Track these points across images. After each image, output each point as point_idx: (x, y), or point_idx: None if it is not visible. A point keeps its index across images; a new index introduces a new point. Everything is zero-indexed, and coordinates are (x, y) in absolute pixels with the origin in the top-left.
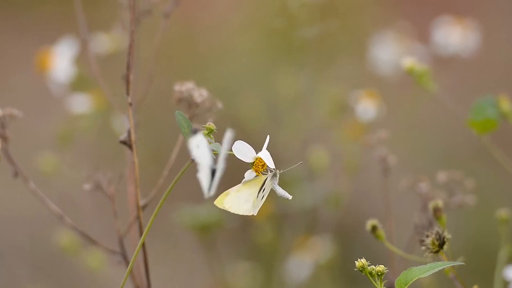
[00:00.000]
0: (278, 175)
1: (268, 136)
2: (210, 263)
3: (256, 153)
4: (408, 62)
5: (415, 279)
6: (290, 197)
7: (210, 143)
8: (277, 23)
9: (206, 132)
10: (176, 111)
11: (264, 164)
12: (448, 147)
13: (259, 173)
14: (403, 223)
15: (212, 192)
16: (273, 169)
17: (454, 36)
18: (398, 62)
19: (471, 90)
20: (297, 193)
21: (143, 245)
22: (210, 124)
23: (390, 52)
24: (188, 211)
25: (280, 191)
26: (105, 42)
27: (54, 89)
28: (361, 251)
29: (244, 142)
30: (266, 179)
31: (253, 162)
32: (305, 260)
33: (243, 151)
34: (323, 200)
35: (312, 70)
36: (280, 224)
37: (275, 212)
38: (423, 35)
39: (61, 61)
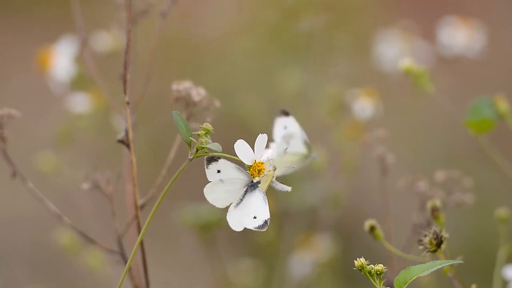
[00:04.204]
0: (275, 172)
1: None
2: (211, 262)
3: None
4: (406, 62)
5: (413, 278)
6: (289, 189)
7: (207, 143)
8: (277, 22)
9: (203, 132)
10: (174, 111)
11: (261, 170)
12: (448, 146)
13: (254, 177)
14: (402, 222)
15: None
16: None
17: (459, 36)
18: (400, 60)
19: (475, 90)
20: (297, 192)
21: (142, 244)
22: (207, 125)
23: (395, 50)
24: (188, 210)
25: (279, 186)
26: (103, 42)
27: (54, 87)
28: (360, 250)
29: (246, 143)
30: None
31: (251, 165)
32: (305, 258)
33: (245, 151)
34: (323, 199)
35: (313, 69)
36: (280, 223)
37: (276, 211)
38: (425, 35)
39: (61, 59)
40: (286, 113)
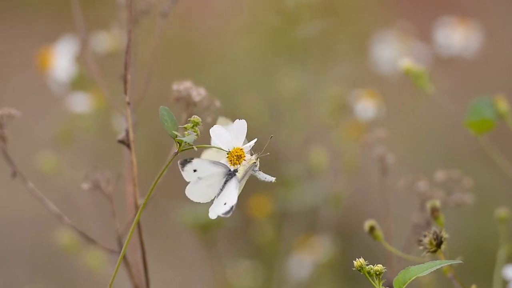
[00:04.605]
0: (258, 161)
1: (255, 139)
2: (211, 262)
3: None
4: (406, 63)
5: (413, 278)
6: (273, 179)
7: (187, 134)
8: (277, 23)
9: (190, 125)
10: (161, 106)
11: (240, 156)
12: (448, 146)
13: (233, 164)
14: (402, 222)
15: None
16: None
17: (456, 36)
18: (398, 61)
19: (473, 91)
20: (297, 192)
21: (142, 244)
22: (195, 117)
23: (392, 51)
24: (188, 210)
25: (262, 175)
26: (103, 42)
27: (54, 88)
28: (361, 250)
29: (223, 128)
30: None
31: (229, 152)
32: (305, 259)
33: (221, 136)
34: (323, 199)
35: (313, 69)
36: (280, 223)
37: (275, 211)
38: (423, 35)
39: (62, 59)
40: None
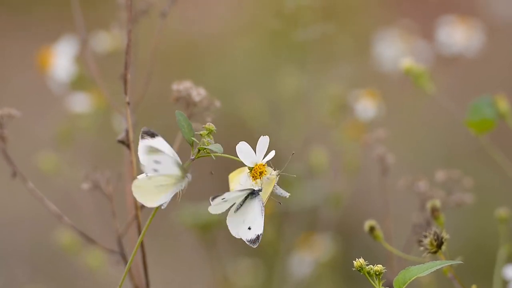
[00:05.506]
0: (278, 177)
1: (273, 151)
2: (211, 262)
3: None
4: (407, 62)
5: (413, 278)
6: (288, 194)
7: (208, 143)
8: (277, 23)
9: (205, 132)
10: (176, 111)
11: (262, 172)
12: (448, 146)
13: (255, 179)
14: (402, 222)
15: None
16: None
17: (458, 35)
18: (399, 60)
19: (474, 90)
20: (297, 192)
21: (142, 244)
22: (210, 125)
23: (394, 50)
24: (188, 209)
25: (279, 191)
26: (103, 42)
27: (54, 87)
28: (361, 250)
29: (248, 145)
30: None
31: (252, 167)
32: (305, 258)
33: (246, 153)
34: (323, 199)
35: (313, 69)
36: (281, 223)
37: (276, 210)
38: (425, 35)
39: (61, 59)
40: (151, 134)
